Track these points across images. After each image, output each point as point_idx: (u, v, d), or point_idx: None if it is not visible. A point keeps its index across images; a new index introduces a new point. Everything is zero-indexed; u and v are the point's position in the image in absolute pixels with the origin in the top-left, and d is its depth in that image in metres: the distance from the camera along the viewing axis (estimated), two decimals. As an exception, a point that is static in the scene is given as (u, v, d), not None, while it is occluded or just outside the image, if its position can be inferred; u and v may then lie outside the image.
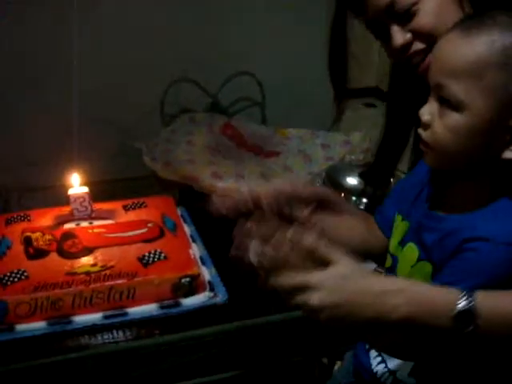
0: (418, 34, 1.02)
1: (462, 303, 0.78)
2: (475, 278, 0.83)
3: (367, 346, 1.08)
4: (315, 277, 0.82)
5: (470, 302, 0.78)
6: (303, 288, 0.81)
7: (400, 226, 1.01)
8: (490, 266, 0.83)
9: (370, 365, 1.06)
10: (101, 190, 1.54)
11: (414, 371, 0.98)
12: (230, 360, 1.24)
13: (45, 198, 1.68)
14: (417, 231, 0.95)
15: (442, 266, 0.88)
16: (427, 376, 0.97)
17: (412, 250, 0.95)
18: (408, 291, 0.82)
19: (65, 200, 1.49)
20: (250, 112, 2.16)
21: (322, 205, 1.05)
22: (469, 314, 0.78)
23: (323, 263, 0.83)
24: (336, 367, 1.52)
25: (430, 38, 1.00)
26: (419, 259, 0.93)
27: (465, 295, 0.78)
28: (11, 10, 1.79)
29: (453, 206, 0.92)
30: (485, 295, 0.79)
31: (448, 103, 0.84)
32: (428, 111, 0.87)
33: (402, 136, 1.25)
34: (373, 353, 1.07)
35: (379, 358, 1.05)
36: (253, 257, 0.92)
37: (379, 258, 1.08)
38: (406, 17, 1.02)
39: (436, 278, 0.88)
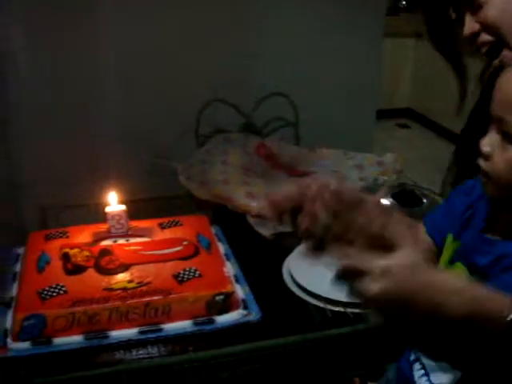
0: (483, 26, 1.04)
1: None
2: None
3: (412, 358, 1.08)
4: (380, 263, 0.76)
5: None
6: (366, 272, 0.75)
7: (451, 246, 1.01)
8: None
9: (413, 376, 1.06)
10: (137, 209, 1.56)
11: None
12: (262, 378, 1.25)
13: (82, 216, 1.71)
14: (468, 253, 0.95)
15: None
16: None
17: (461, 271, 0.95)
18: (469, 291, 0.78)
19: (101, 218, 1.52)
20: (283, 132, 2.18)
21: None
22: None
23: (388, 248, 0.81)
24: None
25: (495, 31, 1.02)
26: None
27: None
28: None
29: (507, 231, 0.92)
30: None
31: (508, 136, 0.85)
32: (489, 143, 0.88)
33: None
34: (416, 365, 1.07)
35: (422, 371, 1.05)
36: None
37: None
38: (475, 7, 1.03)
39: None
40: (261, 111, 2.13)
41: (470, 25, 1.05)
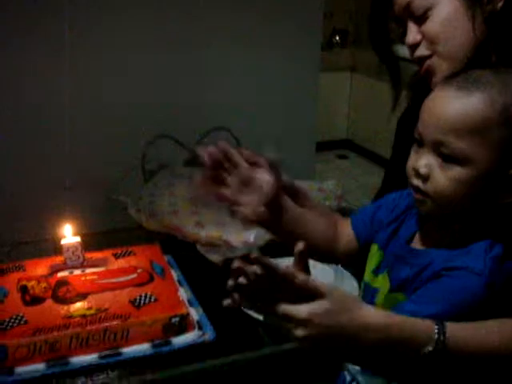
0: (425, 37, 1.09)
1: (433, 340, 0.86)
2: (443, 303, 0.90)
3: (348, 380, 1.11)
4: (302, 310, 0.86)
5: (441, 339, 0.86)
6: (291, 320, 0.87)
7: (375, 256, 1.07)
8: (462, 292, 0.90)
9: None
10: (89, 242, 1.60)
11: None
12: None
13: (34, 251, 1.73)
14: (392, 264, 1.01)
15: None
16: None
17: (385, 281, 1.02)
18: (388, 327, 0.87)
19: (53, 252, 1.56)
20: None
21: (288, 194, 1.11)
22: (440, 352, 0.86)
23: (311, 296, 0.88)
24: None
25: (433, 46, 1.08)
26: (390, 290, 1.00)
27: (436, 332, 0.86)
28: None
29: (431, 241, 0.98)
30: (455, 329, 0.87)
31: (449, 158, 0.90)
32: (424, 164, 0.93)
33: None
34: None
35: None
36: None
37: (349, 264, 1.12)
38: (419, 18, 1.08)
39: (403, 304, 0.95)
40: (204, 146, 2.19)
41: (413, 34, 1.10)
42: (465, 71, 0.95)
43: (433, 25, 1.08)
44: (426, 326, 0.87)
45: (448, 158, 0.90)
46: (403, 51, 1.19)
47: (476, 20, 1.05)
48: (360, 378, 1.09)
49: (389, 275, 1.02)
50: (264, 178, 1.08)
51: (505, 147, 0.89)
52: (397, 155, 1.36)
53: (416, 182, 0.94)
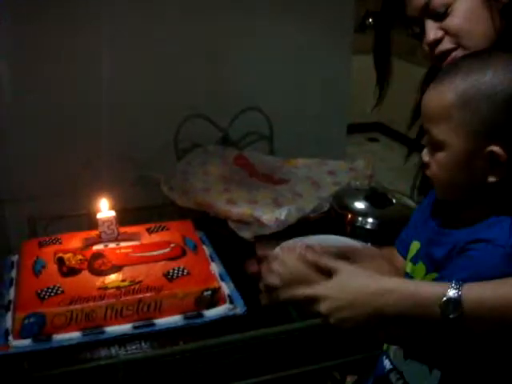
0: (447, 33, 1.11)
1: (449, 292, 0.88)
2: (470, 273, 0.92)
3: (387, 368, 1.15)
4: (320, 288, 0.97)
5: (457, 291, 0.88)
6: (312, 299, 0.97)
7: (414, 247, 1.11)
8: (488, 266, 0.92)
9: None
10: (123, 217, 1.63)
11: None
12: (249, 366, 1.34)
13: (69, 226, 1.78)
14: (426, 246, 1.06)
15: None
16: None
17: (422, 267, 1.06)
18: (399, 288, 0.93)
19: (87, 228, 1.60)
20: (258, 146, 2.28)
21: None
22: (455, 302, 0.88)
23: (327, 273, 0.99)
24: (349, 380, 1.60)
25: (457, 39, 1.10)
26: (426, 273, 1.04)
27: (452, 285, 0.89)
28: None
29: (458, 223, 1.02)
30: (472, 285, 0.89)
31: (433, 145, 0.99)
32: (425, 153, 1.02)
33: None
34: (393, 375, 1.13)
35: (401, 381, 1.11)
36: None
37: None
38: (440, 15, 1.11)
39: (436, 278, 0.99)
40: (236, 125, 2.23)
41: (433, 32, 1.12)
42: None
43: (455, 19, 1.10)
44: (442, 284, 0.91)
45: (433, 145, 0.99)
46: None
47: (493, 11, 1.08)
48: (402, 366, 1.11)
49: (424, 260, 1.06)
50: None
51: (470, 129, 0.94)
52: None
53: (424, 170, 1.03)
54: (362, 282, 0.97)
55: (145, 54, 2.06)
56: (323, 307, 0.96)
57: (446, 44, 1.13)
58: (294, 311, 1.38)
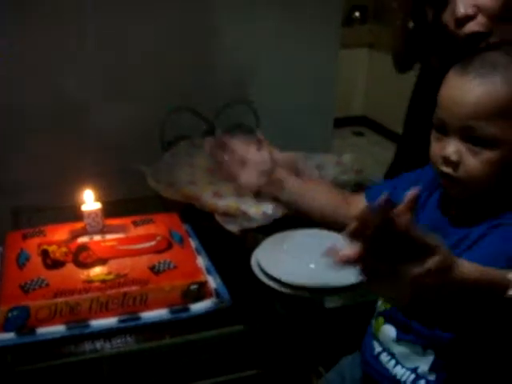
0: (482, 11, 1.05)
1: None
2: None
3: (377, 351, 1.14)
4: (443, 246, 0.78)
5: None
6: (430, 249, 0.76)
7: None
8: None
9: (387, 370, 1.12)
10: (108, 210, 1.62)
11: (435, 366, 1.05)
12: (234, 360, 1.33)
13: (54, 218, 1.76)
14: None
15: None
16: (447, 370, 1.03)
17: None
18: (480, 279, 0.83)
19: (72, 220, 1.58)
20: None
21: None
22: None
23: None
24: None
25: (490, 22, 1.05)
26: None
27: None
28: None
29: (463, 216, 1.00)
30: None
31: (479, 142, 0.93)
32: (453, 151, 0.95)
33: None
34: (383, 356, 1.13)
35: (393, 361, 1.11)
36: None
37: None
38: None
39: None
40: (223, 118, 2.22)
41: (466, 7, 1.06)
42: (476, 55, 0.96)
43: None
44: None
45: (478, 142, 0.93)
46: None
47: None
48: (393, 348, 1.11)
49: None
50: (259, 156, 1.23)
51: None
52: (409, 132, 1.36)
53: (446, 169, 0.97)
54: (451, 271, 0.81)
55: (131, 45, 2.04)
56: (433, 262, 0.75)
57: (479, 26, 1.07)
58: (278, 303, 1.38)
